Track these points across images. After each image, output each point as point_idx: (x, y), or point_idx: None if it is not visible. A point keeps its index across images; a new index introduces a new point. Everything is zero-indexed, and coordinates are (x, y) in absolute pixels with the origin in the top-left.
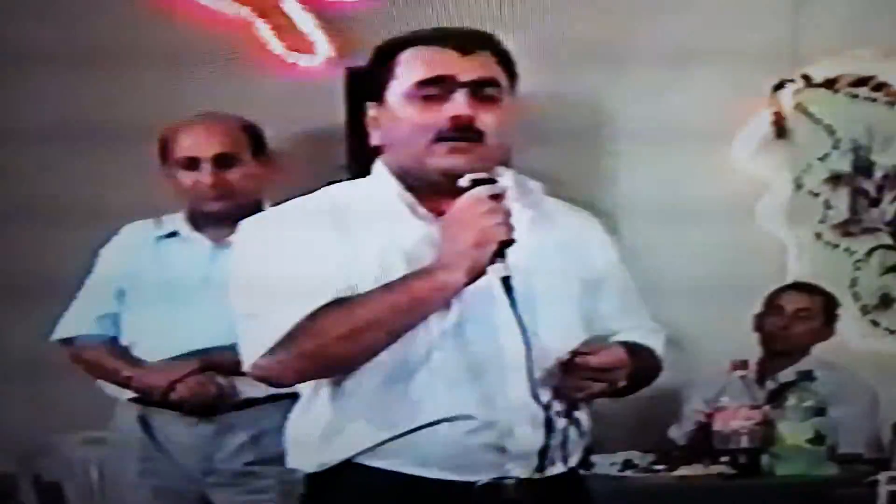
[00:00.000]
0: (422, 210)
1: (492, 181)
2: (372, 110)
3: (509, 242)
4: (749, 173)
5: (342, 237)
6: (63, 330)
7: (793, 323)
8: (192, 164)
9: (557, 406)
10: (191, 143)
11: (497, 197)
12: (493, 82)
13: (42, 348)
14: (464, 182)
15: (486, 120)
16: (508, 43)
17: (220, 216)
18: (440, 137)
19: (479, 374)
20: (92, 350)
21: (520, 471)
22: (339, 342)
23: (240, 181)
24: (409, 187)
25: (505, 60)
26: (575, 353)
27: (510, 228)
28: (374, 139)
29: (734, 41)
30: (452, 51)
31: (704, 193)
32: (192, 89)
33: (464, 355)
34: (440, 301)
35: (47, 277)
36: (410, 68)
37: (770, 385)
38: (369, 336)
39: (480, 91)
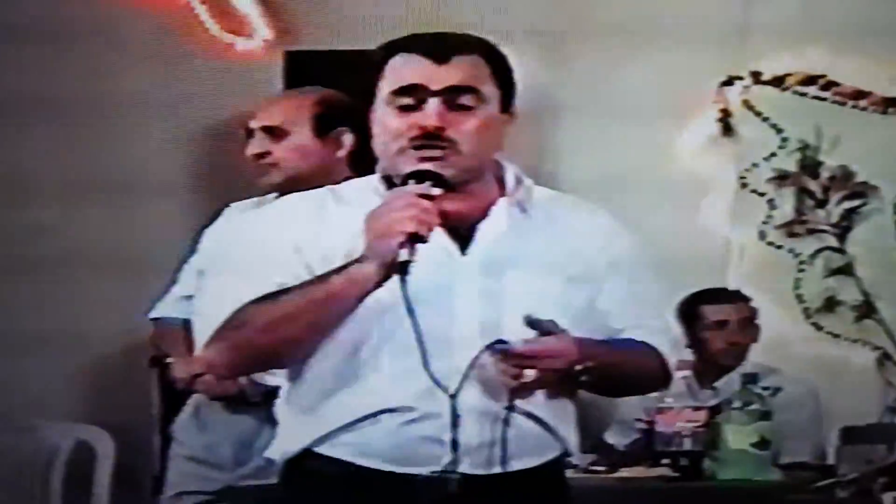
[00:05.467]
0: None
1: (436, 178)
2: (371, 113)
3: (419, 236)
4: (694, 170)
5: (318, 227)
6: (154, 310)
7: (739, 335)
8: (249, 134)
9: (503, 402)
10: (257, 114)
11: (428, 196)
12: (467, 90)
13: None
14: (398, 179)
15: (461, 128)
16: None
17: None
18: (411, 146)
19: (426, 365)
20: (161, 331)
21: (465, 466)
22: (262, 334)
23: (286, 154)
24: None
25: (498, 66)
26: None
27: (423, 223)
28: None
29: (682, 37)
30: (428, 59)
31: (648, 189)
32: (129, 69)
33: (413, 346)
34: (356, 294)
35: None
36: (390, 75)
37: (709, 392)
38: (290, 328)
39: (455, 99)
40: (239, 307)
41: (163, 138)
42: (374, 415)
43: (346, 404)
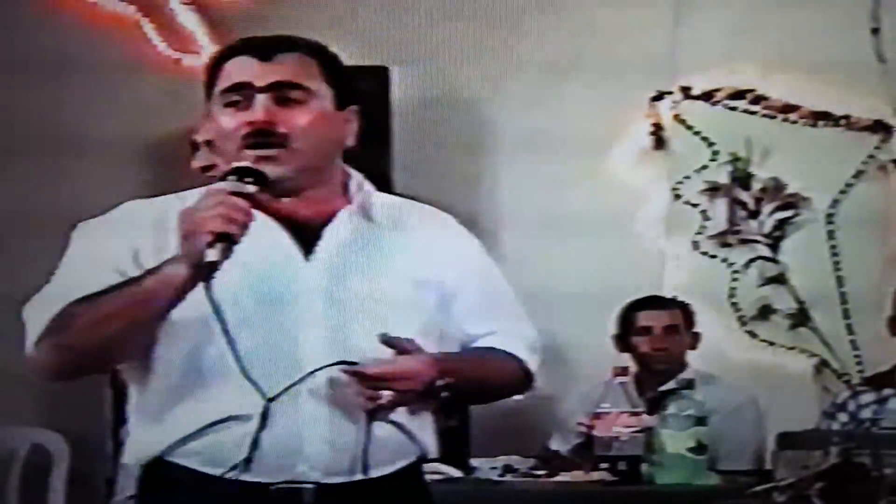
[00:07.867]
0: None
1: (256, 175)
2: (209, 119)
3: (226, 235)
4: (628, 183)
5: (160, 233)
6: None
7: (665, 341)
8: (194, 147)
9: (355, 411)
10: (201, 128)
11: (242, 194)
12: (293, 86)
13: None
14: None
15: (292, 122)
16: (336, 47)
17: None
18: (246, 145)
19: (271, 372)
20: None
21: (317, 475)
22: (83, 334)
23: None
24: None
25: (327, 64)
26: (352, 363)
27: (232, 221)
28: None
29: (614, 52)
30: (253, 58)
31: (584, 203)
32: (77, 87)
33: (258, 353)
34: (169, 294)
35: None
36: (222, 78)
37: (650, 395)
38: (109, 328)
39: (283, 95)
40: (62, 308)
41: (111, 153)
42: (220, 422)
43: (192, 412)
